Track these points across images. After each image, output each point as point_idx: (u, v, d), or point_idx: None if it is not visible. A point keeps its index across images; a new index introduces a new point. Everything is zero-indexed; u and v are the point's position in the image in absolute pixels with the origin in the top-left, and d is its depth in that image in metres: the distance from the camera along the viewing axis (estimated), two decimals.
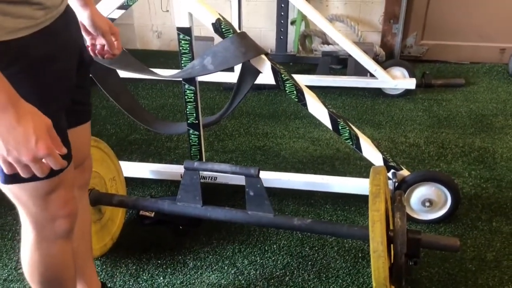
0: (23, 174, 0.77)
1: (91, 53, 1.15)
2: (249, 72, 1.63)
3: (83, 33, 1.12)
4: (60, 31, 0.92)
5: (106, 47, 1.15)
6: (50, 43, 0.89)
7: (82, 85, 1.08)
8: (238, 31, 1.56)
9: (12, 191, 0.96)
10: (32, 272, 1.09)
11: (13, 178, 0.87)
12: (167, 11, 3.46)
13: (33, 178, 0.81)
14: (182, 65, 1.63)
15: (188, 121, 1.76)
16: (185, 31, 1.57)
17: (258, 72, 1.61)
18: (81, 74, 1.05)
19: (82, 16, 1.09)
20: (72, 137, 1.03)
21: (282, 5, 3.01)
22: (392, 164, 1.69)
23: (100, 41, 1.14)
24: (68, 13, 0.98)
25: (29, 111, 0.76)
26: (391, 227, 1.31)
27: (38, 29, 0.86)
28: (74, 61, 1.00)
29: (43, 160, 0.77)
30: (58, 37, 0.91)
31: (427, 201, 1.70)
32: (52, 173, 0.93)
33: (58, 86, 0.92)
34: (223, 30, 1.53)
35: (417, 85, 2.70)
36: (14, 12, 0.80)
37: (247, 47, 1.52)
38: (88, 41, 1.15)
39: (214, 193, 1.93)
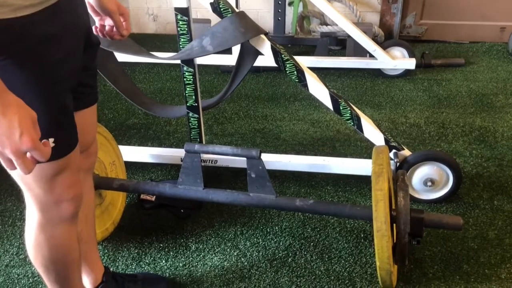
0: (6, 167, 0.76)
1: (100, 34, 1.12)
2: (249, 52, 1.61)
3: (92, 14, 1.10)
4: (66, 10, 0.90)
5: (114, 28, 1.13)
6: (56, 22, 0.87)
7: (89, 67, 1.06)
8: (237, 10, 1.53)
9: (17, 172, 0.94)
10: (36, 255, 1.09)
11: None
12: None
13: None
14: (181, 46, 1.61)
15: (188, 104, 1.74)
16: (183, 12, 1.54)
17: (257, 53, 1.58)
18: (88, 55, 1.02)
19: None
20: (79, 120, 1.01)
21: None
22: (393, 144, 1.68)
23: (109, 22, 1.11)
24: None
25: (15, 103, 0.73)
26: (393, 207, 1.30)
27: (44, 7, 0.83)
28: (80, 42, 0.97)
29: (28, 154, 0.74)
30: (64, 16, 0.89)
31: (429, 180, 1.70)
32: (57, 155, 0.91)
33: (64, 66, 0.90)
34: (222, 9, 1.50)
35: (416, 65, 2.67)
36: None
37: (246, 27, 1.49)
38: (96, 21, 1.12)
39: (214, 177, 1.92)
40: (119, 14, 1.11)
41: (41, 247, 1.07)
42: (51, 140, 0.87)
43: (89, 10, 1.09)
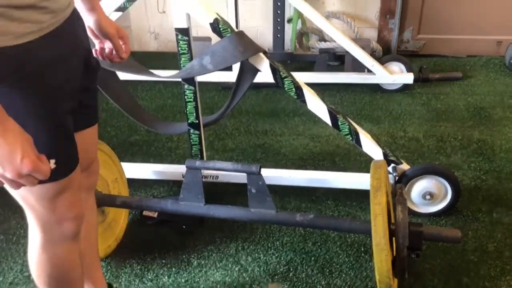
0: (12, 188, 0.79)
1: (99, 57, 1.15)
2: (248, 70, 1.64)
3: (91, 37, 1.13)
4: (66, 34, 0.93)
5: (114, 51, 1.15)
6: (57, 46, 0.90)
7: (89, 88, 1.08)
8: (236, 30, 1.57)
9: (19, 193, 0.96)
10: (39, 274, 1.10)
11: None
12: (164, 12, 3.47)
13: (42, 180, 0.82)
14: (181, 65, 1.65)
15: (189, 121, 1.77)
16: (183, 32, 1.58)
17: (256, 70, 1.62)
18: (88, 77, 1.05)
19: (89, 20, 1.09)
20: (80, 140, 1.04)
21: (278, 4, 3.01)
22: (392, 158, 1.70)
23: (109, 44, 1.14)
24: (75, 16, 0.99)
25: (15, 129, 0.76)
26: (392, 221, 1.32)
27: (45, 33, 0.86)
28: (80, 64, 1.00)
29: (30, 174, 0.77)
30: (64, 40, 0.92)
31: (428, 194, 1.71)
32: (59, 176, 0.94)
33: (64, 89, 0.93)
34: (221, 29, 1.54)
35: (415, 80, 2.71)
36: (20, 17, 0.80)
37: (245, 46, 1.53)
38: (96, 44, 1.15)
39: (216, 192, 1.93)
40: (119, 37, 1.14)
41: (44, 266, 1.09)
42: (52, 161, 0.89)
43: (89, 34, 1.11)
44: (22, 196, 0.98)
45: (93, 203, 1.34)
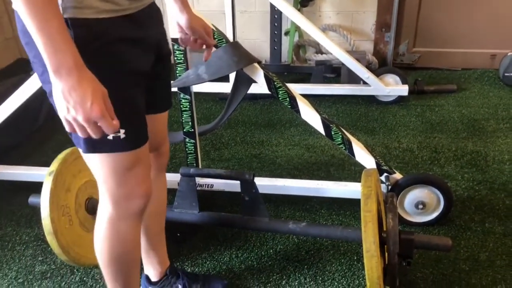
0: (79, 133, 0.84)
1: (183, 44, 1.26)
2: (243, 80, 1.67)
3: (179, 33, 1.25)
4: (141, 21, 1.01)
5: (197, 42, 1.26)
6: (130, 29, 0.98)
7: (160, 76, 1.15)
8: (231, 41, 1.60)
9: (94, 163, 1.02)
10: (102, 249, 1.14)
11: (93, 147, 0.97)
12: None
13: (112, 149, 0.95)
14: (177, 75, 1.68)
15: (184, 130, 1.79)
16: None
17: (251, 81, 1.64)
18: (159, 64, 1.12)
19: (181, 19, 1.21)
20: (151, 122, 1.11)
21: (275, 16, 3.06)
22: (385, 167, 1.72)
23: (194, 36, 1.25)
24: (153, 8, 1.07)
25: (90, 77, 0.83)
26: (385, 229, 1.33)
27: (121, 14, 0.95)
28: (152, 50, 1.07)
29: (97, 122, 0.83)
30: (138, 26, 1.00)
31: (420, 203, 1.73)
32: (128, 147, 1.00)
33: (135, 67, 1.00)
34: (216, 40, 1.57)
35: (410, 92, 2.74)
36: None
37: (239, 56, 1.56)
38: (182, 35, 1.25)
39: (210, 201, 1.95)
40: (205, 32, 1.25)
41: (109, 241, 1.13)
42: (122, 131, 0.96)
43: (177, 29, 1.23)
44: (96, 165, 1.03)
45: (165, 183, 1.39)
